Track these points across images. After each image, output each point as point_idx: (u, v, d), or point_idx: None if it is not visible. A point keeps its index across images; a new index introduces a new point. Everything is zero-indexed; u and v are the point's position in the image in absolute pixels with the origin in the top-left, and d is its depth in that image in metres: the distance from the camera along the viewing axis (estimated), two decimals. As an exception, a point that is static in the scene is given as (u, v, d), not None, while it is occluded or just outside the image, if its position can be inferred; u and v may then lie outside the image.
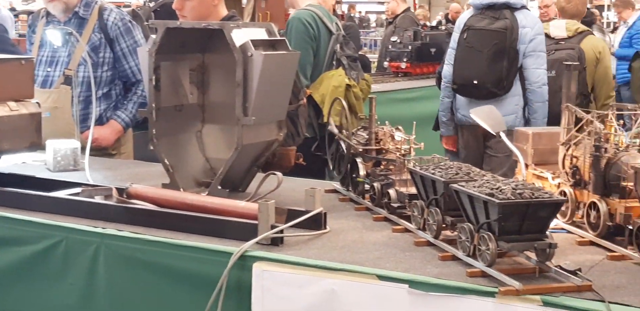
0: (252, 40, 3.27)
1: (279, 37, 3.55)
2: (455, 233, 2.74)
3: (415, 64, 9.46)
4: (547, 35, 6.05)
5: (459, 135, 5.97)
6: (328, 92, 5.39)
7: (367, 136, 3.49)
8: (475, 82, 5.54)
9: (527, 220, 2.51)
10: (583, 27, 6.62)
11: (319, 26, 5.65)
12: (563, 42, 6.30)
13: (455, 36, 5.76)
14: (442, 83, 5.88)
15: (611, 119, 3.00)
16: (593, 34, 6.80)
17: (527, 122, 5.65)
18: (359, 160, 3.45)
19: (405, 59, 9.44)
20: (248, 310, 2.73)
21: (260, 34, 3.51)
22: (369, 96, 3.69)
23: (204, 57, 3.66)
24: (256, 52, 3.24)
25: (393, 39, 9.78)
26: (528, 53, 5.61)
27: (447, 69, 5.81)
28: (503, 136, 3.15)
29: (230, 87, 3.33)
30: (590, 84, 6.47)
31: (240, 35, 3.29)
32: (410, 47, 9.46)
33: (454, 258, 2.71)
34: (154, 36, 3.40)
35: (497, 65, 5.51)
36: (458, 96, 5.79)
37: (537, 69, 5.61)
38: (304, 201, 3.08)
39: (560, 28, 6.40)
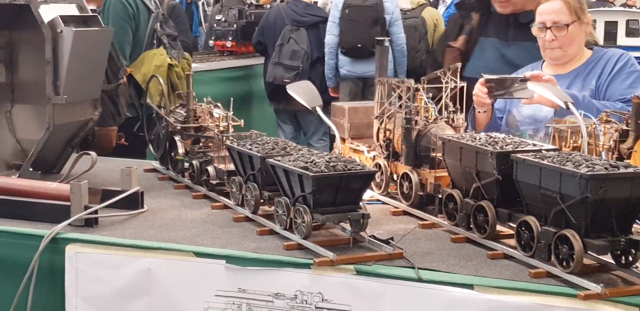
0: (61, 16, 3.16)
1: (90, 13, 3.44)
2: (273, 207, 2.76)
3: (240, 42, 9.41)
4: None
5: (341, 86, 7.72)
6: (150, 72, 5.27)
7: (185, 114, 3.45)
8: (359, 45, 7.38)
9: (340, 192, 2.56)
10: (422, 1, 8.79)
11: (138, 5, 5.50)
12: (408, 13, 8.37)
13: (335, 12, 7.53)
14: (326, 49, 7.56)
15: (421, 92, 3.09)
16: (430, 6, 9.08)
17: (394, 74, 7.56)
18: (177, 138, 3.41)
19: (230, 38, 9.37)
20: (62, 293, 2.66)
21: (71, 9, 3.39)
22: (187, 72, 3.64)
23: (11, 35, 3.49)
24: (66, 28, 3.13)
25: (218, 17, 9.69)
26: (392, 23, 7.57)
27: (330, 38, 7.54)
28: (319, 110, 3.19)
29: (40, 66, 3.21)
30: (431, 44, 8.40)
31: (49, 11, 3.17)
32: (235, 25, 9.40)
33: (272, 232, 2.73)
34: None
35: (374, 31, 7.34)
36: (342, 57, 7.54)
37: (399, 34, 7.61)
38: (120, 181, 3.01)
39: (406, 2, 8.52)
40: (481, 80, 3.54)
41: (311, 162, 2.61)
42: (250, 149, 2.87)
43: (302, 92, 3.31)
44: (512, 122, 3.84)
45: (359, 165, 2.63)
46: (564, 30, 3.70)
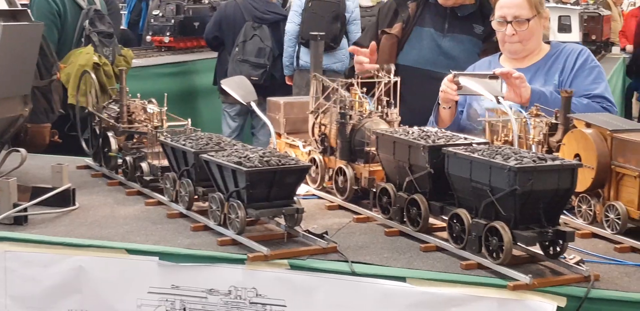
0: (-11, 11, 3.10)
1: (20, 8, 3.38)
2: (208, 203, 2.74)
3: (178, 38, 9.31)
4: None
5: (299, 76, 7.81)
6: (74, 72, 5.15)
7: (118, 110, 3.41)
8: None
9: (274, 187, 2.56)
10: None
11: (65, 2, 5.38)
12: (368, 10, 8.54)
13: (298, 2, 7.77)
14: (286, 37, 7.73)
15: (356, 87, 3.10)
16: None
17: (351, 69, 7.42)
18: (110, 134, 3.37)
19: (168, 33, 9.27)
20: (-9, 293, 2.61)
21: (0, 4, 3.33)
22: (120, 68, 3.59)
23: (-62, 29, 3.41)
24: (-6, 22, 3.06)
25: (155, 12, 9.57)
26: (351, 21, 7.83)
27: (290, 26, 7.74)
28: (254, 105, 3.18)
29: (-33, 61, 3.14)
30: None
31: (-23, 5, 3.11)
32: (173, 21, 9.31)
33: (206, 228, 2.71)
34: None
35: (334, 26, 7.70)
36: (302, 48, 7.71)
37: (357, 33, 7.71)
38: (51, 178, 2.96)
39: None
40: (449, 76, 3.52)
41: (245, 157, 2.60)
42: (184, 145, 2.85)
43: (237, 87, 3.30)
44: (473, 116, 3.83)
45: (293, 160, 2.63)
46: (525, 25, 3.70)
